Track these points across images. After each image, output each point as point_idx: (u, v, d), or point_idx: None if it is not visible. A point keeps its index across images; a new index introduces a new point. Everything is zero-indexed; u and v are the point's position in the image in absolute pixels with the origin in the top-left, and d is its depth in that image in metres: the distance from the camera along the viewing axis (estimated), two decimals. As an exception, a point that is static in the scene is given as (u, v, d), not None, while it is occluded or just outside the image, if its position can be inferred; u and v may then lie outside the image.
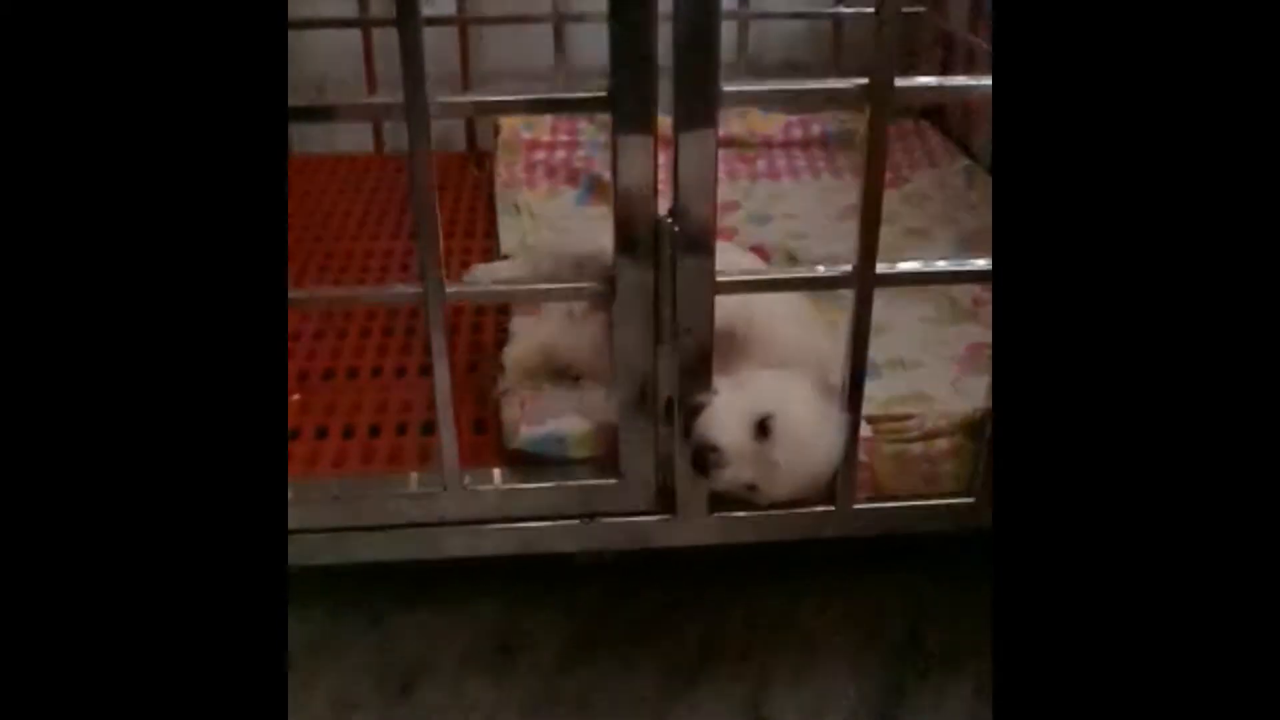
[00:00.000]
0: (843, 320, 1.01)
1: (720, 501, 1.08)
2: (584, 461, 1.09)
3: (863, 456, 1.07)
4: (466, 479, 1.05)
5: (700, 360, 0.99)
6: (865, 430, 1.06)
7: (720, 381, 1.01)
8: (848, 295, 0.99)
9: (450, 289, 0.95)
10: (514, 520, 1.07)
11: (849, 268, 0.97)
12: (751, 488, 1.01)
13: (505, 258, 1.47)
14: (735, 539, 1.10)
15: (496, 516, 1.07)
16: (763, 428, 0.98)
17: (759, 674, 1.11)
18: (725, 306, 0.97)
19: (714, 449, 0.98)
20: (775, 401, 1.00)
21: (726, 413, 0.99)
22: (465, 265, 1.50)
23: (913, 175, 1.67)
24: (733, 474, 0.99)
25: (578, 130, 1.80)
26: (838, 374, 1.03)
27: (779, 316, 1.07)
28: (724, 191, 1.66)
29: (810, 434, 1.00)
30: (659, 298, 0.97)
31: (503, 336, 1.29)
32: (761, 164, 1.79)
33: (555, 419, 1.09)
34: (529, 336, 1.19)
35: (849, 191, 1.61)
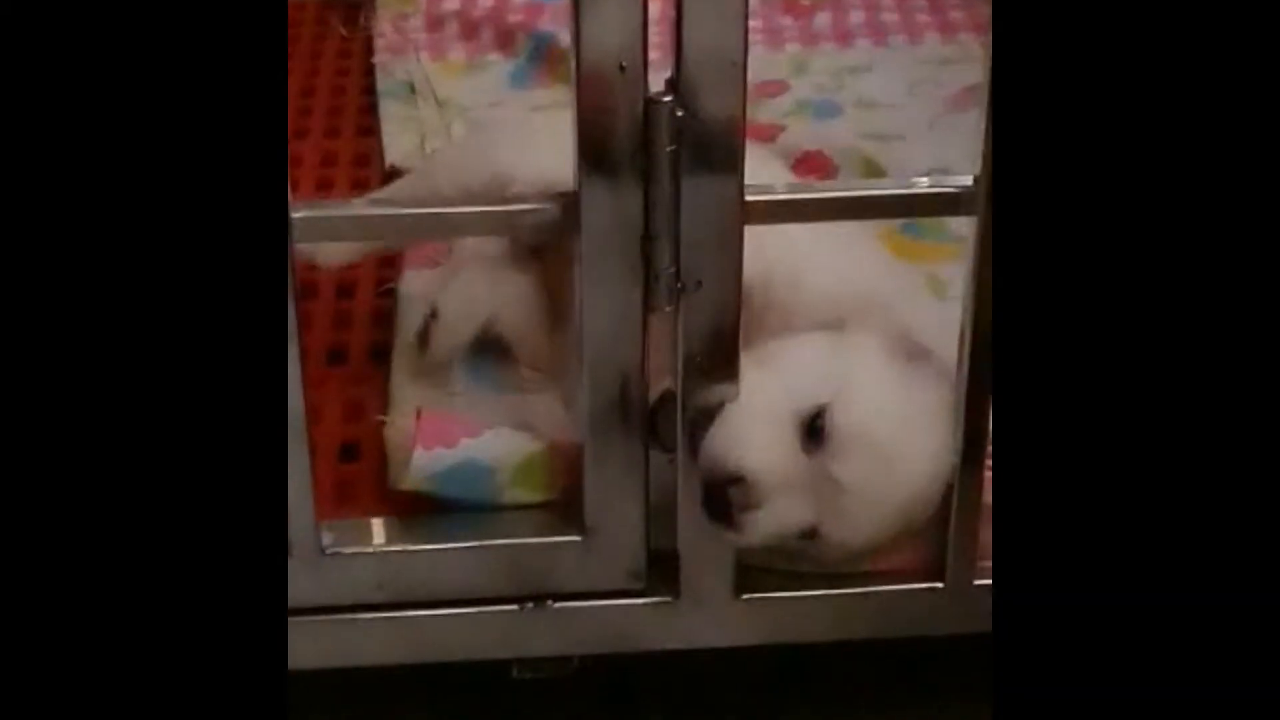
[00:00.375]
0: (952, 272, 1.01)
1: (753, 575, 1.08)
2: (525, 508, 1.09)
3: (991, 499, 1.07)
4: (327, 538, 1.06)
5: (718, 334, 0.99)
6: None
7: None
8: (964, 231, 0.99)
9: (300, 213, 0.95)
10: (407, 607, 1.08)
11: (968, 181, 0.97)
12: (810, 535, 1.01)
13: (393, 172, 1.47)
14: (778, 638, 1.10)
15: (377, 601, 1.07)
16: (813, 430, 0.99)
17: None
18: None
19: (738, 479, 0.98)
20: (828, 383, 1.00)
21: (752, 413, 0.99)
22: (324, 189, 1.50)
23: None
24: (774, 517, 0.99)
25: (516, -38, 1.82)
26: (929, 336, 1.03)
27: (815, 265, 1.07)
28: (762, 63, 1.67)
29: (891, 428, 1.00)
30: (651, 234, 0.97)
31: (382, 305, 1.30)
32: (824, 18, 1.79)
33: (473, 436, 1.09)
34: (466, 287, 1.19)
35: (972, 65, 1.61)
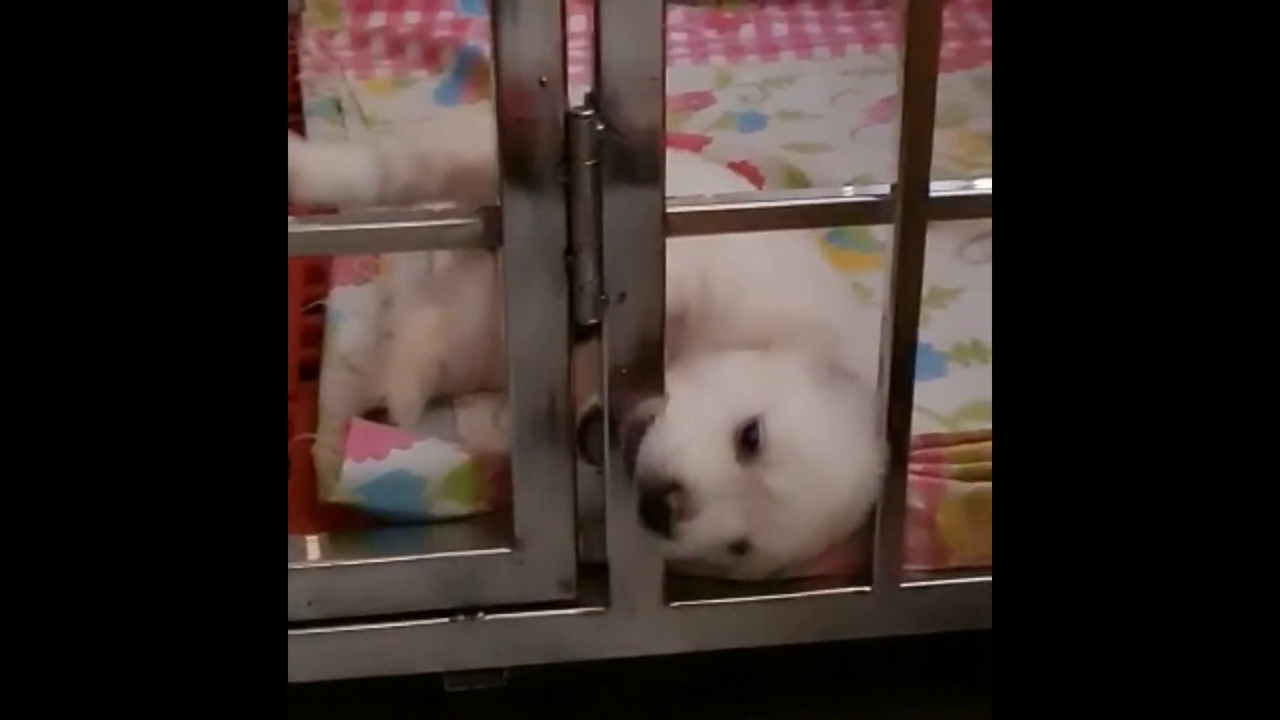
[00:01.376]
0: (876, 280, 1.03)
1: (683, 582, 1.09)
2: (455, 521, 1.10)
3: (917, 502, 1.09)
4: (257, 555, 1.06)
5: (643, 346, 1.01)
6: (918, 460, 1.09)
7: (666, 377, 1.02)
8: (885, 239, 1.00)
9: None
10: (339, 622, 1.08)
11: (886, 189, 0.99)
12: (740, 548, 1.02)
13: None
14: (708, 645, 1.11)
15: (310, 618, 1.07)
16: (748, 440, 1.00)
17: None
18: (670, 267, 0.98)
19: (676, 487, 0.99)
20: (759, 396, 1.01)
21: (687, 424, 1.00)
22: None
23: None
24: (710, 526, 1.00)
25: (443, -22, 1.82)
26: (856, 353, 1.04)
27: (758, 281, 1.08)
28: (687, 76, 1.69)
29: (821, 441, 1.02)
30: (574, 247, 0.98)
31: (310, 322, 1.29)
32: (749, 31, 1.81)
33: (403, 447, 1.10)
34: (419, 328, 1.19)
35: (892, 75, 1.63)
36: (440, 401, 1.19)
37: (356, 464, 1.08)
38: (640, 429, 1.01)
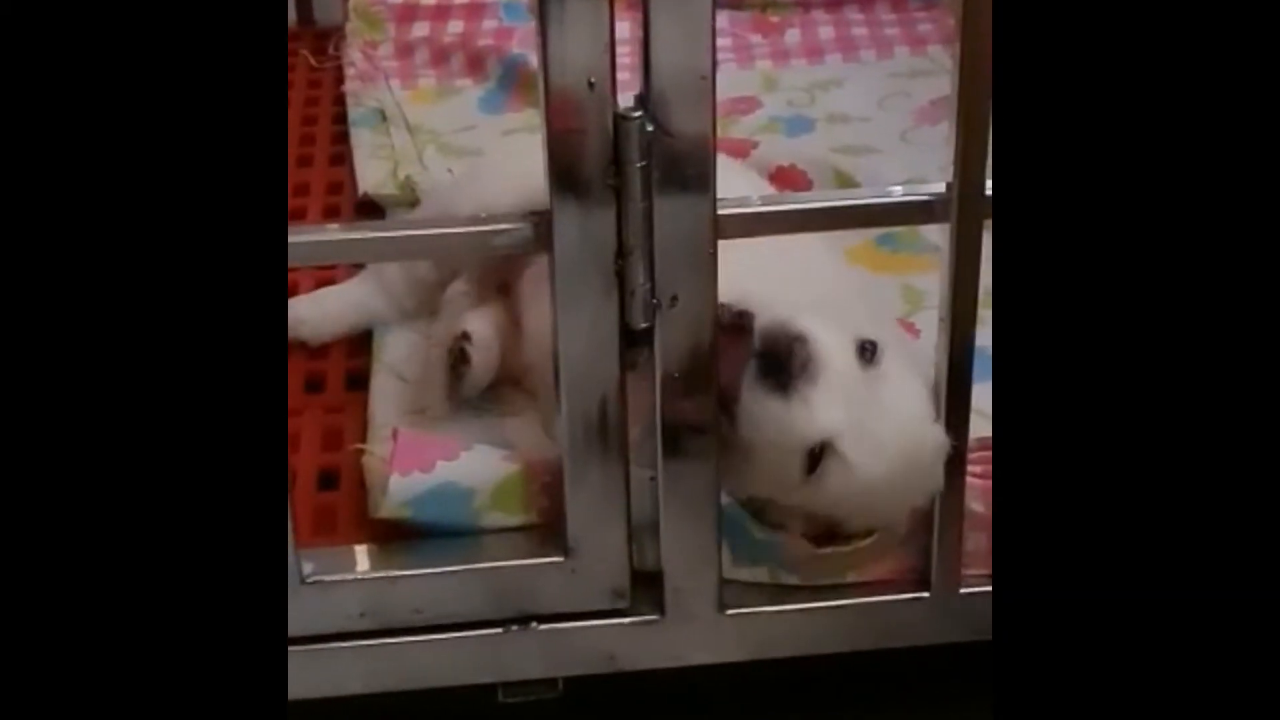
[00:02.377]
0: (928, 282, 1.03)
1: (738, 590, 1.08)
2: (505, 531, 1.10)
3: (975, 506, 1.07)
4: (307, 567, 1.05)
5: (696, 350, 1.00)
6: (976, 463, 1.07)
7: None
8: (939, 241, 1.00)
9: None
10: (390, 634, 1.07)
11: (940, 188, 0.98)
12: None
13: (366, 199, 1.48)
14: (764, 654, 1.10)
15: (360, 629, 1.07)
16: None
17: None
18: None
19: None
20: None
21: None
22: (297, 218, 1.50)
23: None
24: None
25: (487, -14, 1.83)
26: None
27: (763, 282, 1.06)
28: (733, 80, 1.69)
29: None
30: (625, 251, 0.98)
31: (354, 347, 1.30)
32: (794, 35, 1.81)
33: (450, 459, 1.09)
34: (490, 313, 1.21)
35: (941, 77, 1.62)
36: (489, 409, 1.19)
37: (403, 477, 1.08)
38: (742, 319, 1.01)
